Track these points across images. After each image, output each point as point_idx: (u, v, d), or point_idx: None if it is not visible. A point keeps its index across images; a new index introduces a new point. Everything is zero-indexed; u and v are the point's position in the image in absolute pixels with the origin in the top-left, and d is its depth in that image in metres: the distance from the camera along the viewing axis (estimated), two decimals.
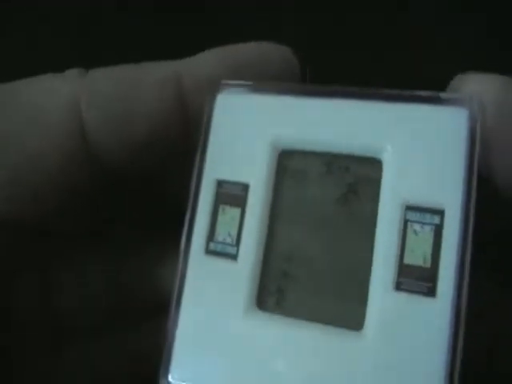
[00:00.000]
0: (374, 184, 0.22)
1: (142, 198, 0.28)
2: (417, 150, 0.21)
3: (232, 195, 0.23)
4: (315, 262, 0.22)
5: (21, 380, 0.26)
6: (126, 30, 0.25)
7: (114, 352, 0.28)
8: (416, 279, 0.21)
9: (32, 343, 0.27)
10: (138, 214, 0.28)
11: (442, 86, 0.23)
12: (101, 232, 0.28)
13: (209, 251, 0.23)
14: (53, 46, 0.26)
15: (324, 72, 0.23)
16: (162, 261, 0.27)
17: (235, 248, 0.23)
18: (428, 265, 0.20)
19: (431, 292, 0.20)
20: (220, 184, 0.23)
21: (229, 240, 0.23)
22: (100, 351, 0.28)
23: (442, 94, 0.22)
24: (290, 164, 0.23)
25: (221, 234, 0.23)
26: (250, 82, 0.24)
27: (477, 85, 0.22)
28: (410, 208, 0.21)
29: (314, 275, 0.22)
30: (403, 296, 0.21)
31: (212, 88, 0.24)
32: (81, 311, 0.28)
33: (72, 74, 0.25)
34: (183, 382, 0.22)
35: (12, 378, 0.26)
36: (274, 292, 0.22)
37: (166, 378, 0.23)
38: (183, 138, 0.25)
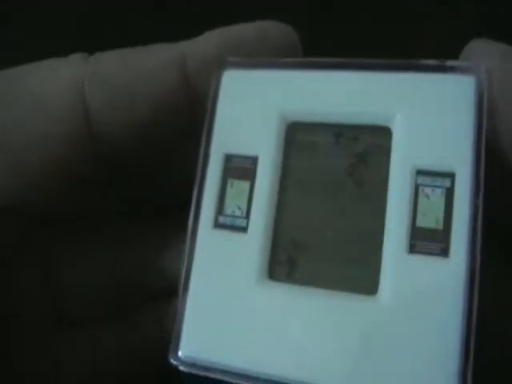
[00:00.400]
0: (384, 152, 0.22)
1: (147, 185, 0.28)
2: (425, 117, 0.22)
3: (241, 169, 0.23)
4: (326, 230, 0.22)
5: (22, 368, 0.26)
6: (126, 30, 0.26)
7: (115, 341, 0.28)
8: (429, 241, 0.21)
9: (33, 331, 0.27)
10: (141, 201, 0.28)
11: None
12: (103, 219, 0.28)
13: (218, 225, 0.23)
14: (53, 46, 0.26)
15: (324, 46, 0.23)
16: (165, 249, 0.27)
17: (245, 220, 0.23)
18: (440, 226, 0.21)
19: (444, 252, 0.20)
20: (228, 158, 0.23)
21: (238, 213, 0.23)
22: (101, 340, 0.28)
23: (449, 62, 0.22)
24: (298, 136, 0.23)
25: (230, 207, 0.23)
26: (256, 58, 0.24)
27: (483, 53, 0.22)
28: (420, 173, 0.21)
29: (325, 243, 0.22)
30: (417, 258, 0.21)
31: (218, 65, 0.24)
32: (82, 300, 0.28)
33: (75, 58, 0.25)
34: (194, 356, 0.22)
35: (13, 365, 0.26)
36: (285, 262, 0.22)
37: (176, 353, 0.22)
38: (188, 119, 0.25)
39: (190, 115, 0.25)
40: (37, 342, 0.27)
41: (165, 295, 0.27)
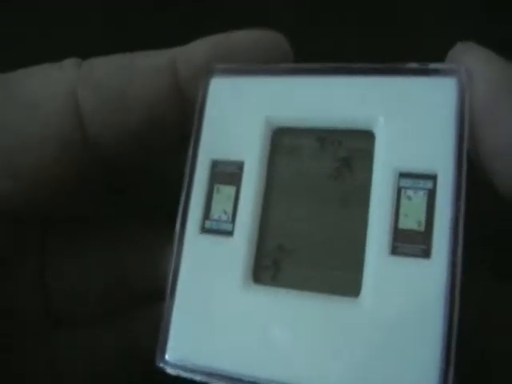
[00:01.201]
0: (367, 156, 0.22)
1: (140, 187, 0.28)
2: (408, 120, 0.22)
3: (227, 174, 0.23)
4: (310, 234, 0.22)
5: (20, 368, 0.26)
6: (126, 30, 0.26)
7: (111, 341, 0.28)
8: (411, 242, 0.21)
9: (30, 331, 0.27)
10: (135, 203, 0.29)
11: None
12: (100, 221, 0.29)
13: (205, 230, 0.23)
14: (53, 46, 0.26)
15: (313, 49, 0.23)
16: (160, 249, 0.27)
17: (231, 225, 0.23)
18: (422, 228, 0.21)
19: (426, 254, 0.20)
20: (215, 164, 0.24)
21: (224, 217, 0.23)
22: (98, 340, 0.28)
23: (431, 65, 0.22)
24: (283, 141, 0.23)
25: (216, 212, 0.23)
26: (242, 65, 0.24)
27: (466, 56, 0.22)
28: (403, 175, 0.21)
29: (309, 247, 0.22)
30: (399, 260, 0.21)
31: (206, 71, 0.24)
32: (78, 300, 0.28)
33: (69, 63, 0.26)
34: (181, 359, 0.22)
35: (11, 365, 0.26)
36: (270, 265, 0.23)
37: (163, 356, 0.22)
38: (180, 124, 0.25)
39: (181, 121, 0.25)
40: (35, 341, 0.27)
41: (160, 296, 0.27)
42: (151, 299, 0.27)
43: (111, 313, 0.28)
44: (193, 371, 0.22)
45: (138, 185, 0.28)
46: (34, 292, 0.27)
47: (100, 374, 0.28)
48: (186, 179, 0.24)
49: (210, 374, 0.22)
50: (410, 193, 0.21)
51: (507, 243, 0.26)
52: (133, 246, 0.28)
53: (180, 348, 0.22)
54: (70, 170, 0.25)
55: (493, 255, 0.26)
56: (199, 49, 0.25)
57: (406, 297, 0.20)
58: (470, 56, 0.22)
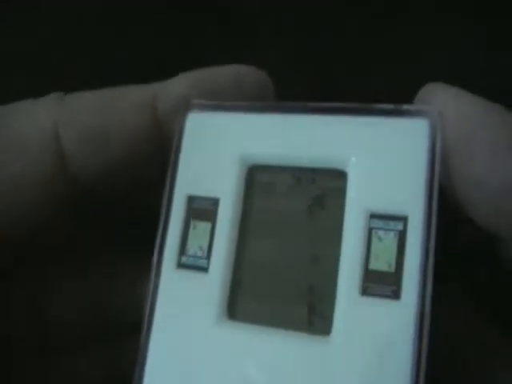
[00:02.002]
0: (340, 195, 0.22)
1: (122, 218, 0.28)
2: (380, 160, 0.22)
3: (203, 210, 0.24)
4: (283, 271, 0.23)
5: None
6: (136, 31, 0.26)
7: (99, 367, 0.28)
8: (381, 283, 0.21)
9: (18, 356, 0.27)
10: (117, 233, 0.29)
11: None
12: (91, 249, 0.29)
13: (181, 265, 0.24)
14: (53, 46, 0.26)
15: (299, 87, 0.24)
16: (144, 279, 0.28)
17: (206, 261, 0.23)
18: (392, 269, 0.21)
19: (395, 295, 0.21)
20: (191, 199, 0.24)
21: (199, 253, 0.23)
22: (85, 366, 0.28)
23: (404, 107, 0.22)
24: (259, 178, 0.24)
25: (192, 247, 0.23)
26: (220, 102, 0.25)
27: (441, 96, 0.22)
28: (374, 216, 0.22)
29: (282, 284, 0.23)
30: (369, 300, 0.21)
31: (183, 107, 0.25)
32: (69, 327, 0.28)
33: (50, 99, 0.26)
34: None
35: None
36: (244, 302, 0.23)
37: None
38: (159, 159, 0.25)
39: (160, 154, 0.25)
40: (25, 368, 0.27)
41: None
42: (138, 327, 0.27)
43: (98, 341, 0.29)
44: None
45: (118, 216, 0.28)
46: (24, 319, 0.27)
47: None
48: (163, 214, 0.24)
49: None
50: (380, 234, 0.21)
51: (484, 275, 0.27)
52: (122, 276, 0.29)
53: None
54: (51, 203, 0.26)
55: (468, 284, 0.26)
56: (179, 84, 0.25)
57: (376, 337, 0.21)
58: (440, 95, 0.22)
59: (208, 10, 0.39)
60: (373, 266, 0.21)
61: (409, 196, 0.21)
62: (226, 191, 0.24)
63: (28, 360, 0.28)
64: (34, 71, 0.26)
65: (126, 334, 0.28)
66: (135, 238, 0.29)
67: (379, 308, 0.21)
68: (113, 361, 0.29)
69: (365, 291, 0.21)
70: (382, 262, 0.21)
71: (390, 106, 0.22)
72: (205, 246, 0.23)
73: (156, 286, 0.24)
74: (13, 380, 0.27)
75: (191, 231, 0.24)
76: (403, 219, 0.21)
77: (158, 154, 0.25)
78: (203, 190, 0.24)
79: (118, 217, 0.29)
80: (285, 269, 0.23)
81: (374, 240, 0.21)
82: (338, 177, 0.23)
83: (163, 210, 0.24)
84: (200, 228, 0.24)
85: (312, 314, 0.22)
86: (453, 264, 0.23)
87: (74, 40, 0.37)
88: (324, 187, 0.23)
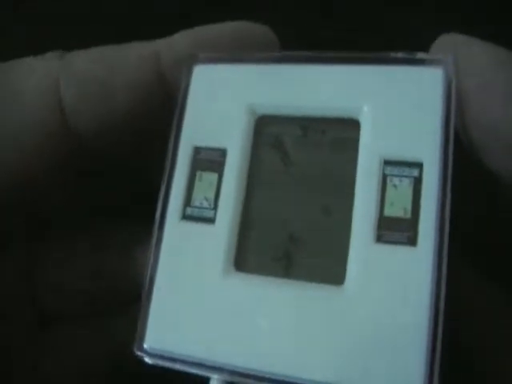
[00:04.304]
0: (352, 144, 0.22)
1: (123, 183, 0.28)
2: (393, 108, 0.22)
3: (209, 161, 0.23)
4: (294, 222, 0.22)
5: (8, 365, 0.26)
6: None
7: (100, 340, 0.28)
8: (396, 230, 0.20)
9: (18, 330, 0.27)
10: (118, 200, 0.28)
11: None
12: (83, 216, 0.28)
13: (185, 216, 0.23)
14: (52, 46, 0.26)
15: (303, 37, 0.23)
16: (145, 247, 0.27)
17: (213, 212, 0.22)
18: (408, 216, 0.20)
19: (412, 241, 0.20)
20: (197, 150, 0.23)
21: (206, 204, 0.23)
22: (86, 339, 0.28)
23: (418, 55, 0.22)
24: (267, 129, 0.23)
25: (197, 198, 0.23)
26: (226, 54, 0.24)
27: (455, 44, 0.22)
28: (388, 163, 0.21)
29: (292, 235, 0.22)
30: (384, 247, 0.20)
31: (189, 60, 0.24)
32: (66, 297, 0.28)
33: (51, 55, 0.26)
34: (160, 347, 0.22)
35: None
36: (252, 253, 0.22)
37: (142, 345, 0.22)
38: (162, 114, 0.25)
39: (164, 110, 0.25)
40: (22, 341, 0.26)
41: None
42: (137, 298, 0.27)
43: (99, 313, 0.28)
44: (172, 360, 0.22)
45: (120, 181, 0.28)
46: (22, 290, 0.27)
47: (88, 375, 0.28)
48: (168, 166, 0.23)
49: (190, 363, 0.21)
50: (395, 181, 0.21)
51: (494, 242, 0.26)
52: (119, 248, 0.28)
53: (159, 337, 0.22)
54: (51, 161, 0.25)
55: (473, 251, 0.26)
56: (183, 39, 0.25)
57: (392, 285, 0.20)
58: (455, 44, 0.22)
59: None
60: (387, 212, 0.21)
61: (424, 143, 0.21)
62: (234, 142, 0.23)
63: (26, 334, 0.27)
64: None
65: (126, 306, 0.28)
66: (135, 206, 0.28)
67: (395, 255, 0.20)
68: (114, 334, 0.28)
69: (379, 238, 0.21)
70: (398, 208, 0.21)
71: (404, 55, 0.22)
72: (211, 197, 0.23)
73: (159, 239, 0.23)
74: (12, 356, 0.26)
75: (197, 182, 0.23)
76: (419, 166, 0.21)
77: (162, 108, 0.25)
78: (210, 141, 0.23)
79: (120, 184, 0.28)
80: (293, 219, 0.22)
81: (389, 187, 0.21)
82: (350, 126, 0.22)
83: (168, 162, 0.23)
84: (206, 179, 0.23)
85: (323, 263, 0.21)
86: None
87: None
88: (335, 137, 0.22)
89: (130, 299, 0.27)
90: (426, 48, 0.23)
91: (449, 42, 0.22)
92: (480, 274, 0.25)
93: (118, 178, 0.28)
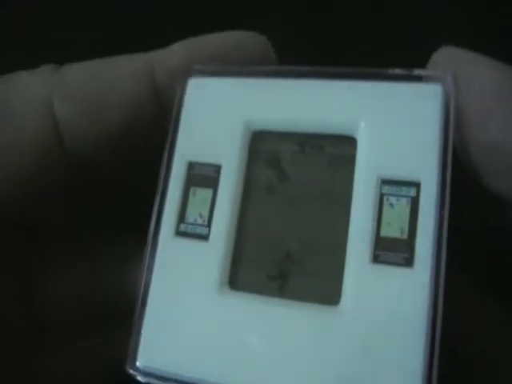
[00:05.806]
0: (349, 161, 0.22)
1: (118, 199, 0.27)
2: (391, 126, 0.21)
3: (204, 177, 0.23)
4: (289, 240, 0.22)
5: (5, 378, 0.25)
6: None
7: (91, 354, 0.28)
8: (393, 251, 0.20)
9: (16, 342, 0.26)
10: (113, 215, 0.28)
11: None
12: (78, 232, 0.28)
13: (179, 233, 0.22)
14: (53, 46, 0.26)
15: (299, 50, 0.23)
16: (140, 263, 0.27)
17: (206, 228, 0.22)
18: (405, 236, 0.20)
19: (408, 262, 0.20)
20: (191, 166, 0.23)
21: (200, 221, 0.22)
22: (83, 352, 0.28)
23: (416, 71, 0.22)
24: (263, 145, 0.23)
25: (191, 215, 0.23)
26: (221, 66, 0.24)
27: (451, 60, 0.22)
28: (385, 182, 0.21)
29: (287, 253, 0.22)
30: (380, 268, 0.20)
31: (184, 73, 0.24)
32: (61, 309, 0.27)
33: (45, 70, 0.25)
34: (152, 366, 0.22)
35: None
36: (246, 271, 0.22)
37: (134, 363, 0.22)
38: (157, 129, 0.24)
39: (158, 124, 0.25)
40: (19, 355, 0.26)
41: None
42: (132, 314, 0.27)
43: (95, 327, 0.28)
44: (165, 379, 0.21)
45: (115, 195, 0.27)
46: (18, 304, 0.26)
47: None
48: (161, 181, 0.23)
49: (181, 382, 0.21)
50: (392, 200, 0.21)
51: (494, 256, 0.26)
52: (110, 261, 0.28)
53: (151, 355, 0.22)
54: (45, 176, 0.25)
55: (475, 265, 0.26)
56: (177, 51, 0.25)
57: (388, 306, 0.20)
58: (454, 59, 0.22)
59: None
60: (384, 232, 0.20)
61: (422, 161, 0.21)
62: (229, 158, 0.23)
63: (24, 347, 0.27)
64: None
65: (121, 318, 0.27)
66: (130, 220, 0.28)
67: (391, 276, 0.20)
68: (110, 347, 0.27)
69: (376, 259, 0.20)
70: (394, 228, 0.20)
71: (402, 71, 0.22)
72: (205, 213, 0.22)
73: (152, 255, 0.22)
74: (9, 368, 0.26)
75: (191, 198, 0.23)
76: (416, 185, 0.20)
77: (157, 123, 0.24)
78: (204, 157, 0.23)
79: (115, 198, 0.28)
80: (288, 238, 0.22)
81: (386, 206, 0.21)
82: (347, 143, 0.22)
83: (161, 177, 0.23)
84: (200, 195, 0.23)
85: (319, 283, 0.21)
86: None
87: None
88: (332, 154, 0.22)
89: (126, 313, 0.27)
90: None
91: (450, 57, 0.22)
92: (479, 288, 0.25)
93: (113, 193, 0.28)
